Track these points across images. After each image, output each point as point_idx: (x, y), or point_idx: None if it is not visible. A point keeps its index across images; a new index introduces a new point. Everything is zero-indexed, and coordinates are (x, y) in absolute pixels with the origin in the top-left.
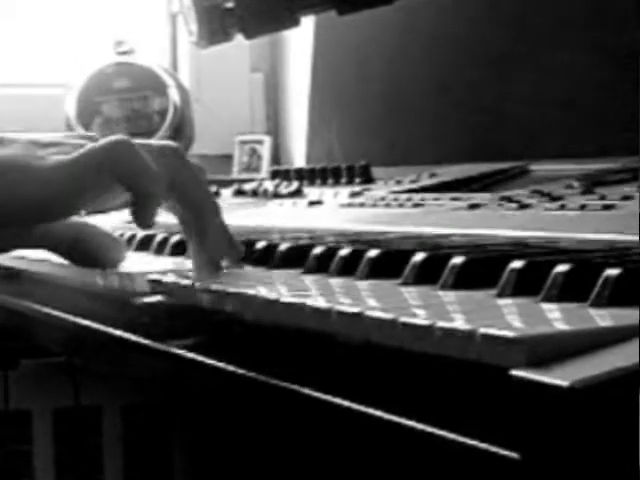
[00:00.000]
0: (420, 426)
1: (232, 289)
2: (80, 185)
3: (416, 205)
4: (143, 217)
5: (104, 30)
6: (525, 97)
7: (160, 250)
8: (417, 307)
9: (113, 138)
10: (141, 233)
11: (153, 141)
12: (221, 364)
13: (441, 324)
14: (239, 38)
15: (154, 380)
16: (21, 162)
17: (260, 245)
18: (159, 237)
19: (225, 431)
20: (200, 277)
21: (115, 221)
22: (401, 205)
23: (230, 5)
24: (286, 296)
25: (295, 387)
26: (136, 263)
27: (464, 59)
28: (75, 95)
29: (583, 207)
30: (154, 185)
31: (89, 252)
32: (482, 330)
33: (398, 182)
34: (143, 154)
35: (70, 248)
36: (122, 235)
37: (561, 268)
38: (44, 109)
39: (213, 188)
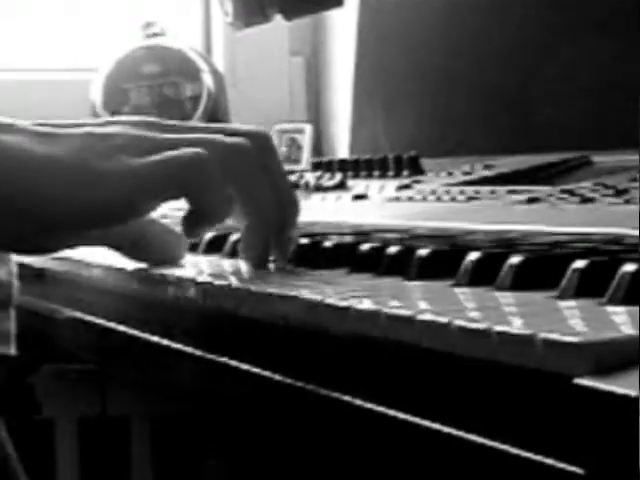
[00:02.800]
0: (476, 438)
1: (272, 290)
2: (146, 194)
3: (470, 199)
4: (194, 230)
5: (132, 11)
6: (586, 84)
7: (194, 247)
8: (472, 310)
9: (190, 152)
10: None
11: (244, 128)
12: (261, 371)
13: (498, 328)
14: (278, 19)
15: (186, 389)
16: (78, 162)
17: (303, 243)
18: None
19: (263, 444)
20: (238, 277)
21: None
22: (453, 199)
23: None
24: (331, 298)
25: (344, 397)
26: None
27: (519, 42)
28: (101, 81)
29: None
30: (220, 207)
31: (152, 249)
32: (543, 335)
33: (450, 174)
34: (217, 173)
35: (132, 246)
36: None
37: (628, 268)
38: (68, 96)
39: None
